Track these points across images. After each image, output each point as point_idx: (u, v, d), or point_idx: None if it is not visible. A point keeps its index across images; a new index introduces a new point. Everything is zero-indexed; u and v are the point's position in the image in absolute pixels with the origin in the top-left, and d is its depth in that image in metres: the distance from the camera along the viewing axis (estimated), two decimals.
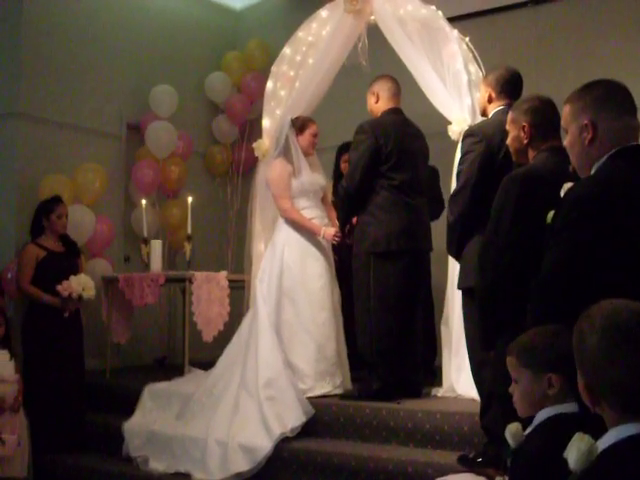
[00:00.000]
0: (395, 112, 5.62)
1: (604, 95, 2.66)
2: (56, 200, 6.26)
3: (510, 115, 3.62)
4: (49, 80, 7.19)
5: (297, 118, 5.93)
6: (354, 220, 5.71)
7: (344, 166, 6.47)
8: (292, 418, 5.19)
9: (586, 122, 2.63)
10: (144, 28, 8.12)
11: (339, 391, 5.58)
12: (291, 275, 5.68)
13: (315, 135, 5.91)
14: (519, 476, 2.37)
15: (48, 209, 6.20)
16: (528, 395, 2.47)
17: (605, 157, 2.60)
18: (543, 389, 2.42)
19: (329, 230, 5.68)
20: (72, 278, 6.04)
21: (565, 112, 2.74)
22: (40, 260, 6.10)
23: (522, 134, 3.49)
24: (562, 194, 2.74)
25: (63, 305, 6.02)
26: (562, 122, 2.77)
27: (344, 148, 6.54)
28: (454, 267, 5.32)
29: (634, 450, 1.79)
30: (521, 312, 2.85)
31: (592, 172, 2.63)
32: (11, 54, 7.03)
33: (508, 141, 3.64)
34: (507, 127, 3.64)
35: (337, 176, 6.47)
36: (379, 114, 5.62)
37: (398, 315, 5.39)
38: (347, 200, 5.58)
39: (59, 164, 7.12)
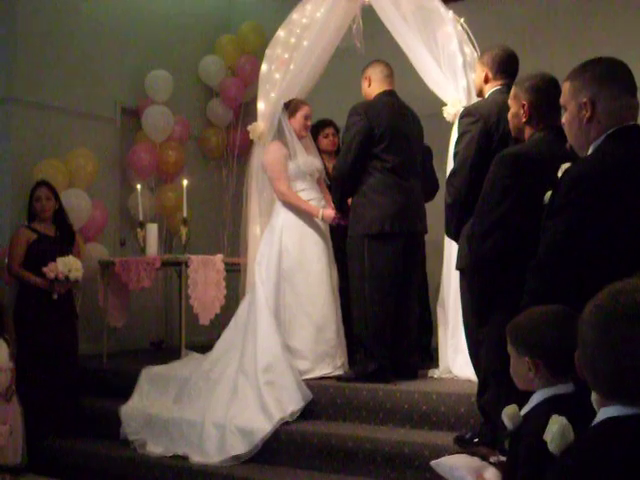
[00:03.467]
0: (388, 94, 5.60)
1: (605, 73, 2.64)
2: (37, 184, 6.23)
3: (512, 91, 3.62)
4: (43, 65, 7.16)
5: (290, 101, 5.93)
6: (349, 202, 5.71)
7: (325, 142, 6.49)
8: (291, 403, 5.20)
9: (585, 100, 2.62)
10: (138, 11, 8.08)
11: (339, 372, 5.59)
12: (290, 258, 5.68)
13: (307, 117, 5.89)
14: (520, 457, 2.37)
15: (30, 194, 6.20)
16: (516, 373, 2.50)
17: (603, 136, 2.59)
18: (525, 371, 2.44)
19: (328, 211, 5.68)
20: (58, 260, 6.02)
21: (564, 89, 2.73)
22: (31, 243, 6.10)
23: (521, 112, 3.49)
24: (560, 174, 2.74)
25: (51, 287, 6.02)
26: (561, 99, 2.75)
27: (322, 124, 6.56)
28: (450, 248, 5.34)
29: (612, 431, 1.78)
30: (513, 291, 2.86)
31: (590, 151, 2.62)
32: (5, 39, 7.00)
33: (508, 116, 3.64)
34: (509, 102, 3.64)
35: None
36: (372, 97, 5.61)
37: (393, 297, 5.40)
38: (340, 182, 5.58)
39: (53, 149, 7.11)
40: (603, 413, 1.82)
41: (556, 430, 1.98)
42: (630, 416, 1.77)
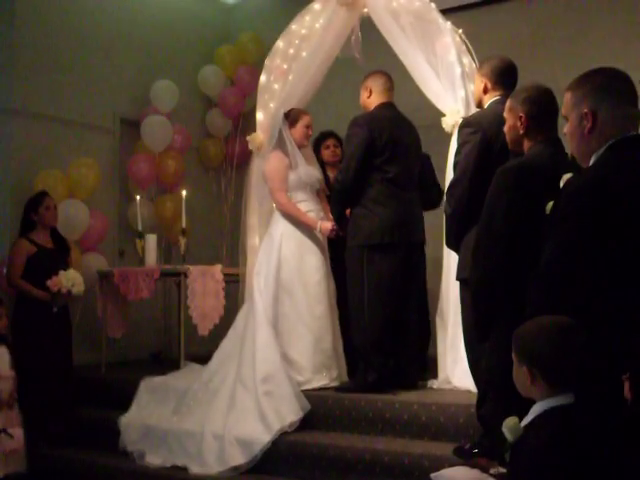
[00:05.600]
0: (388, 106, 5.62)
1: (605, 83, 2.64)
2: (42, 194, 6.29)
3: (508, 103, 3.62)
4: (43, 75, 7.17)
5: (289, 111, 5.93)
6: (347, 213, 5.71)
7: (326, 153, 6.47)
8: (290, 413, 5.19)
9: (586, 111, 2.62)
10: (137, 22, 8.10)
11: (336, 384, 5.59)
12: (289, 268, 5.68)
13: (308, 126, 5.89)
14: (520, 470, 2.37)
15: (35, 203, 6.23)
16: (517, 380, 2.50)
17: (604, 147, 2.59)
18: (525, 379, 2.44)
19: (325, 224, 5.68)
20: (61, 273, 6.06)
21: (566, 100, 2.73)
22: (31, 255, 6.12)
23: (519, 124, 3.49)
24: (561, 185, 2.74)
25: (53, 300, 6.04)
26: (562, 110, 2.76)
27: (324, 136, 6.56)
28: (449, 259, 5.34)
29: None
30: (515, 303, 2.86)
31: (591, 162, 2.62)
32: (5, 49, 7.01)
33: (505, 129, 3.65)
34: (505, 115, 3.64)
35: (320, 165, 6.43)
36: (372, 108, 5.62)
37: (392, 307, 5.40)
38: (342, 193, 5.58)
39: (53, 159, 7.12)
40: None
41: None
42: None
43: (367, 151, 5.40)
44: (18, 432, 5.32)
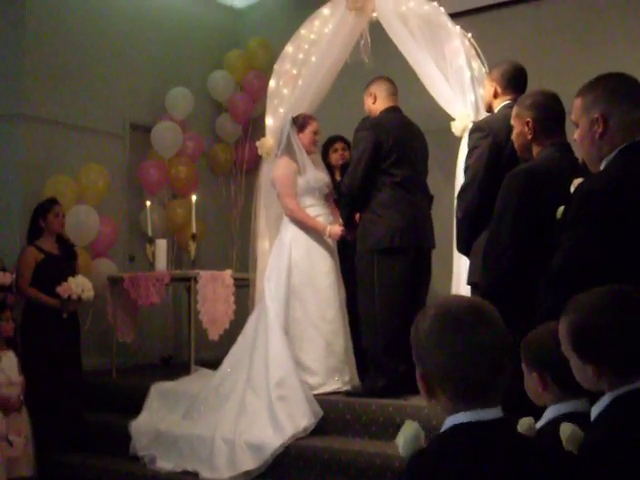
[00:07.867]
0: (393, 110, 5.63)
1: (616, 88, 2.64)
2: (52, 200, 6.31)
3: (514, 110, 3.61)
4: (52, 81, 7.19)
5: (298, 116, 5.93)
6: (357, 217, 5.71)
7: (335, 156, 6.48)
8: (304, 418, 5.19)
9: (597, 115, 2.62)
10: (146, 28, 8.11)
11: (348, 387, 5.59)
12: (299, 273, 5.68)
13: (316, 132, 5.90)
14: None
15: (45, 209, 6.25)
16: (528, 388, 2.48)
17: (615, 151, 2.58)
18: (535, 386, 2.43)
19: (335, 228, 5.68)
20: (70, 280, 6.08)
21: (576, 105, 2.72)
22: (39, 262, 6.13)
23: (526, 129, 3.48)
24: (572, 190, 2.73)
25: (62, 306, 6.06)
26: (572, 115, 2.75)
27: (332, 140, 6.56)
28: (459, 263, 5.33)
29: (458, 438, 1.84)
30: (526, 308, 2.85)
31: (602, 166, 2.61)
32: (15, 55, 7.04)
33: (513, 136, 3.64)
34: (512, 122, 3.63)
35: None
36: (377, 114, 5.63)
37: (402, 311, 5.38)
38: (349, 197, 5.59)
39: (63, 165, 7.13)
40: (451, 420, 1.87)
41: (408, 434, 2.02)
42: (476, 423, 1.83)
43: (374, 154, 5.41)
44: (19, 440, 5.32)
